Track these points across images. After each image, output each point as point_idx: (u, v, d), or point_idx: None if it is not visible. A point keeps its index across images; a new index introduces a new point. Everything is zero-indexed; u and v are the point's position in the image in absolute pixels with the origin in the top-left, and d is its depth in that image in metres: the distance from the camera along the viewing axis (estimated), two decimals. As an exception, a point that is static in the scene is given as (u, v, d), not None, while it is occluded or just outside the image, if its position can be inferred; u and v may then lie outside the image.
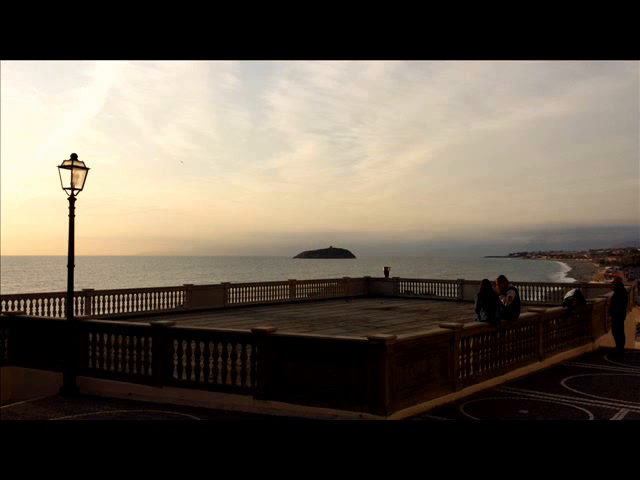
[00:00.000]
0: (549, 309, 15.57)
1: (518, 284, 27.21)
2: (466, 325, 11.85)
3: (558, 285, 33.41)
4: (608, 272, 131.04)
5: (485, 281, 13.24)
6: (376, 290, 33.63)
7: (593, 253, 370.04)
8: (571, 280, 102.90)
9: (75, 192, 12.06)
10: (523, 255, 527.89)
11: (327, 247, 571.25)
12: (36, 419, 10.03)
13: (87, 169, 12.18)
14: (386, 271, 35.57)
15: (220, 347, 11.05)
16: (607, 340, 17.71)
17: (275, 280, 39.14)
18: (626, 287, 19.87)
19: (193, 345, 11.30)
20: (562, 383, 12.63)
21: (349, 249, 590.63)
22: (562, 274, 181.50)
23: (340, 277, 34.72)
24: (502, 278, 13.97)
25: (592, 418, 9.91)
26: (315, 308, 26.32)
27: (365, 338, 9.82)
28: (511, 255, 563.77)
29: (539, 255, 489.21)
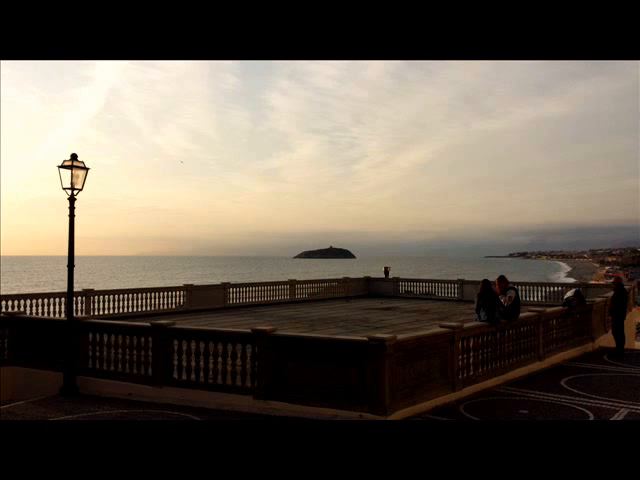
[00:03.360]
0: (549, 309, 15.57)
1: (518, 284, 27.21)
2: (466, 325, 11.85)
3: (558, 285, 33.41)
4: (608, 272, 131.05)
5: (485, 281, 13.24)
6: (376, 290, 33.63)
7: (593, 253, 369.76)
8: (571, 280, 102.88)
9: (75, 192, 12.07)
10: (523, 255, 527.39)
11: (327, 247, 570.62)
12: (36, 419, 10.03)
13: (87, 169, 12.19)
14: (386, 271, 35.57)
15: (220, 347, 11.05)
16: (607, 340, 17.71)
17: (275, 280, 39.14)
18: (626, 287, 19.86)
19: (193, 345, 11.30)
20: (562, 383, 12.63)
21: (349, 249, 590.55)
22: (562, 274, 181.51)
23: (340, 277, 34.73)
24: (502, 278, 13.97)
25: (592, 418, 9.92)
26: (315, 308, 26.32)
27: (365, 338, 9.82)
28: (511, 255, 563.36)
29: (539, 255, 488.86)
